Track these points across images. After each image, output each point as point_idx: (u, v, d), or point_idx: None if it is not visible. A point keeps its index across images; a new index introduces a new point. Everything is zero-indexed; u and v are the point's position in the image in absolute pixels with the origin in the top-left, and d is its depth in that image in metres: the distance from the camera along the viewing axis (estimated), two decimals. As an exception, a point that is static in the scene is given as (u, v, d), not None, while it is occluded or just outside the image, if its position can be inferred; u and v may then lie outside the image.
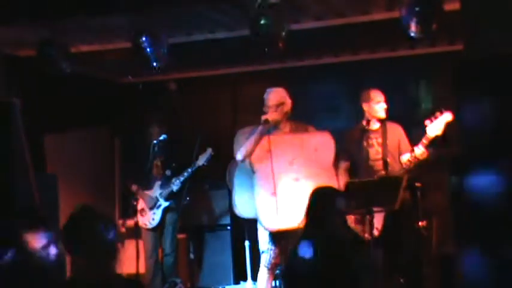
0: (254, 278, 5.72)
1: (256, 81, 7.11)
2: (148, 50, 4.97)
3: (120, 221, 6.61)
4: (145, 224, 5.96)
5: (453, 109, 4.81)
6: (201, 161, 5.79)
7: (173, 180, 5.89)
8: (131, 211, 6.02)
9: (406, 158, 5.07)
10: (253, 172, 4.74)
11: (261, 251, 4.86)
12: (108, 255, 2.42)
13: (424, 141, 4.92)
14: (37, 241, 2.19)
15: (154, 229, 5.96)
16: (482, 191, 2.38)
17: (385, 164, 5.13)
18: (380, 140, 5.19)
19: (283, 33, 4.63)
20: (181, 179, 5.85)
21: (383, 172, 5.13)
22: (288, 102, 4.87)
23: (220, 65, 7.05)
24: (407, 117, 5.80)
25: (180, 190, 5.87)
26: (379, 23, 5.24)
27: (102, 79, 7.14)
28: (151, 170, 5.98)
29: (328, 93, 6.90)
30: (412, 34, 4.49)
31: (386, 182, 4.88)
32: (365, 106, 5.26)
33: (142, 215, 5.96)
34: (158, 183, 6.00)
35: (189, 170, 5.81)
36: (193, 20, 5.15)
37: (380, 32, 5.53)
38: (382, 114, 5.22)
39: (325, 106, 6.84)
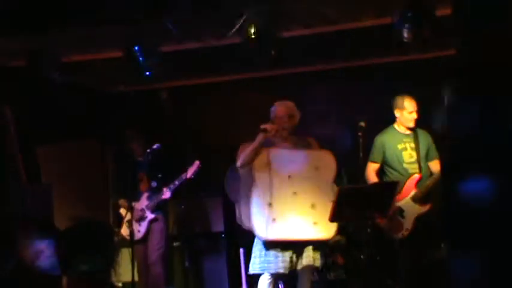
0: (249, 286, 5.71)
1: (249, 90, 7.15)
2: (140, 59, 5.02)
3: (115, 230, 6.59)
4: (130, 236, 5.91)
5: (445, 114, 4.87)
6: (189, 173, 5.85)
7: (164, 189, 5.91)
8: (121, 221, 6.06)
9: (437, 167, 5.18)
10: (253, 181, 4.76)
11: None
12: (107, 266, 2.43)
13: None
14: (31, 248, 2.20)
15: (139, 241, 5.97)
16: (475, 195, 2.41)
17: (420, 168, 5.20)
18: (413, 145, 5.27)
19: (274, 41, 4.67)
20: (172, 187, 5.88)
21: (417, 175, 5.19)
22: (297, 115, 4.94)
23: (212, 73, 7.03)
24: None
25: (167, 200, 5.92)
26: (370, 30, 5.29)
27: (94, 88, 7.15)
28: (138, 183, 6.05)
29: (320, 101, 6.91)
30: (405, 40, 4.52)
31: (380, 188, 4.94)
32: (397, 112, 5.33)
33: (128, 227, 5.89)
34: (145, 195, 6.05)
35: (176, 182, 5.87)
36: (184, 28, 5.16)
37: (370, 39, 5.58)
38: (411, 125, 5.29)
39: (317, 114, 6.86)
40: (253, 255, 4.82)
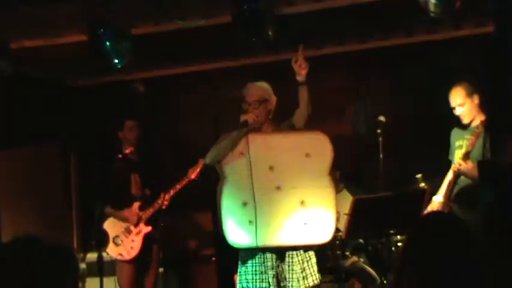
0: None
1: (241, 79, 7.13)
2: (107, 44, 4.99)
3: (80, 255, 6.57)
4: (121, 255, 5.95)
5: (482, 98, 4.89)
6: (192, 174, 5.87)
7: (161, 195, 5.91)
8: (94, 242, 5.91)
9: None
10: (222, 177, 4.70)
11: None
12: None
13: None
14: None
15: (133, 261, 5.96)
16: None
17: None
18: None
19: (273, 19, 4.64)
20: (172, 193, 5.90)
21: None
22: (273, 99, 4.84)
23: (197, 60, 7.09)
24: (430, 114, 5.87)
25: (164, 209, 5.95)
26: (392, 3, 5.29)
27: (51, 81, 7.20)
28: (128, 189, 6.03)
29: (329, 90, 6.94)
30: (432, 15, 4.53)
31: (404, 197, 4.94)
32: None
33: (116, 244, 5.97)
34: (137, 204, 6.02)
35: (177, 186, 5.89)
36: (162, 5, 5.18)
37: (392, 14, 5.61)
38: (463, 121, 5.28)
39: (326, 106, 6.88)
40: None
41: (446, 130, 5.34)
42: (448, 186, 5.19)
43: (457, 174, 5.15)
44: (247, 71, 7.09)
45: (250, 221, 4.55)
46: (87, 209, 6.88)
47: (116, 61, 5.22)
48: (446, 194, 5.14)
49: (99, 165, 6.16)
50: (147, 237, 5.96)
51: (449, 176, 5.26)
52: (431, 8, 4.72)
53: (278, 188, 4.60)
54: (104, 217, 5.99)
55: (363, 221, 4.60)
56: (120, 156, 5.80)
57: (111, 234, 5.98)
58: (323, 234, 4.58)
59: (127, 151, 5.86)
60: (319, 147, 4.71)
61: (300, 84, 4.71)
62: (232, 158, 4.67)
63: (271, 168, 4.64)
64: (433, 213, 3.52)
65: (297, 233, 4.56)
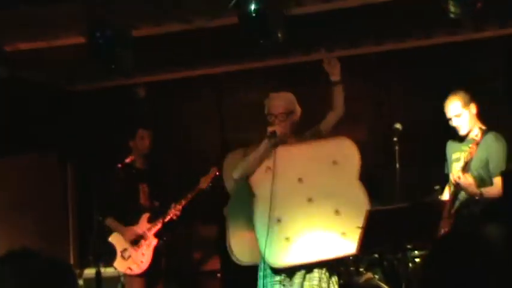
0: None
1: (248, 84, 7.16)
2: (107, 46, 4.99)
3: (77, 271, 6.57)
4: (131, 269, 5.95)
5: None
6: (204, 183, 5.95)
7: (172, 205, 5.95)
8: (92, 257, 5.99)
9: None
10: (252, 196, 4.74)
11: None
12: None
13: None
14: None
15: (143, 275, 5.96)
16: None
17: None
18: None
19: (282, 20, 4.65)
20: (183, 202, 5.96)
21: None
22: (298, 110, 4.90)
23: (202, 63, 7.10)
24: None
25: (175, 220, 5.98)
26: (409, 3, 5.28)
27: (48, 85, 7.21)
28: (136, 199, 6.05)
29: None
30: (452, 15, 4.53)
31: (422, 209, 4.88)
32: None
33: (125, 258, 5.96)
34: (146, 215, 6.06)
35: (189, 195, 5.95)
36: (163, 5, 5.19)
37: (410, 15, 5.58)
38: (459, 132, 5.25)
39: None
40: None
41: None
42: (449, 201, 5.16)
43: (457, 189, 5.10)
44: (254, 75, 7.15)
45: (287, 238, 4.63)
46: (85, 221, 6.89)
47: (117, 64, 5.22)
48: (447, 209, 5.08)
49: (99, 175, 6.18)
50: (156, 250, 5.99)
51: (448, 191, 5.29)
52: (451, 8, 4.72)
53: (310, 200, 4.68)
54: (103, 230, 5.98)
55: (378, 235, 4.53)
56: (120, 165, 5.80)
57: (119, 248, 5.99)
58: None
59: (127, 160, 5.87)
60: (346, 153, 4.83)
61: (335, 84, 4.79)
62: (259, 174, 4.72)
63: (300, 180, 4.71)
64: (455, 231, 3.54)
65: (335, 244, 4.64)
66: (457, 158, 5.25)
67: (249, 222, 4.83)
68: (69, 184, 7.51)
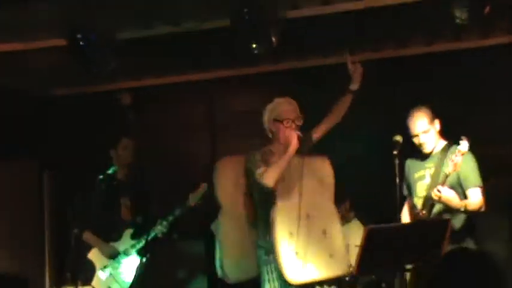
0: None
1: (240, 91, 7.14)
2: (88, 49, 4.98)
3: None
4: None
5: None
6: (193, 200, 5.88)
7: (159, 222, 5.88)
8: (70, 274, 5.88)
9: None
10: (272, 205, 4.77)
11: None
12: None
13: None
14: None
15: None
16: None
17: (426, 205, 5.25)
18: (433, 171, 5.33)
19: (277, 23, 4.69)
20: (170, 219, 5.90)
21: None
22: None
23: (192, 68, 7.09)
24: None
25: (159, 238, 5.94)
26: (412, 7, 5.28)
27: (24, 90, 7.15)
28: (117, 213, 6.00)
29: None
30: (457, 21, 4.54)
31: (425, 227, 4.89)
32: None
33: (104, 276, 5.92)
34: (129, 231, 6.00)
35: (177, 212, 5.90)
36: (151, 6, 5.15)
37: (413, 19, 5.59)
38: (423, 151, 5.32)
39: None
40: None
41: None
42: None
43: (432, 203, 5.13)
44: (247, 81, 7.15)
45: (297, 252, 4.73)
46: (62, 235, 6.80)
47: (99, 68, 5.20)
48: (450, 228, 4.91)
49: (78, 186, 6.10)
50: (139, 269, 5.92)
51: (407, 212, 5.40)
52: (457, 13, 4.72)
53: (308, 216, 4.80)
54: (82, 245, 5.91)
55: (377, 254, 4.48)
56: (101, 177, 5.75)
57: (98, 265, 5.94)
58: (343, 265, 4.87)
59: (109, 171, 5.83)
60: (328, 174, 5.00)
61: (351, 93, 4.94)
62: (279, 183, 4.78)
63: (300, 194, 4.78)
64: (458, 250, 3.55)
65: (325, 265, 4.79)
66: (421, 176, 5.31)
67: (242, 237, 4.95)
68: (46, 195, 7.46)
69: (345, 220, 6.01)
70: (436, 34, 6.38)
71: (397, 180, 5.05)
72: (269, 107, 4.93)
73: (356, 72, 4.84)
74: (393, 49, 6.77)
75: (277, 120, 4.87)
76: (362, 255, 4.43)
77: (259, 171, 4.76)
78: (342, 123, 5.07)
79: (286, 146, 4.79)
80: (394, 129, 5.18)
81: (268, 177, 4.75)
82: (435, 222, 5.08)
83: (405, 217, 5.42)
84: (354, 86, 4.88)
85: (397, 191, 5.07)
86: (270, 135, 4.96)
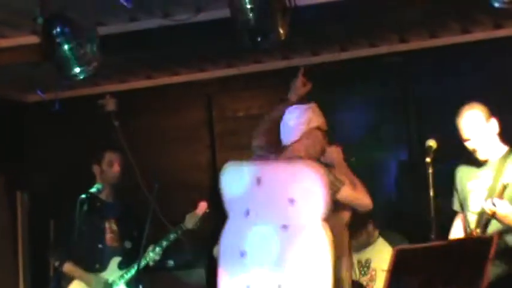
0: None
1: (241, 91, 7.12)
2: (65, 46, 4.91)
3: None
4: None
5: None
6: (190, 222, 5.94)
7: (151, 248, 5.90)
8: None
9: None
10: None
11: None
12: None
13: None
14: None
15: None
16: None
17: (480, 222, 5.17)
18: (490, 182, 5.25)
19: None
20: (164, 244, 5.94)
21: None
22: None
23: (186, 67, 7.11)
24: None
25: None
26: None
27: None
28: (101, 239, 6.01)
29: (360, 104, 6.93)
30: (497, 4, 4.47)
31: (463, 247, 4.79)
32: None
33: None
34: (116, 259, 6.01)
35: (172, 236, 5.93)
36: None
37: (442, 4, 5.56)
38: (477, 156, 5.20)
39: (355, 124, 6.89)
40: None
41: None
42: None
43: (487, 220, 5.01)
44: (250, 80, 7.21)
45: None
46: (39, 267, 6.81)
47: (78, 70, 5.12)
48: (494, 248, 4.77)
49: (56, 207, 6.13)
50: None
51: (461, 227, 5.33)
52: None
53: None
54: (61, 278, 5.90)
55: (407, 279, 4.48)
56: (82, 196, 5.66)
57: None
58: None
59: (92, 190, 5.83)
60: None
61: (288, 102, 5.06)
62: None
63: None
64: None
65: None
66: (474, 187, 5.19)
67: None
68: (20, 218, 7.47)
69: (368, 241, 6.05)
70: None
71: (431, 192, 4.93)
72: (316, 109, 4.85)
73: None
74: (419, 39, 6.76)
75: (320, 129, 4.81)
76: (390, 279, 4.37)
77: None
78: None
79: (317, 157, 4.75)
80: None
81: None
82: (476, 241, 5.00)
83: (457, 234, 5.36)
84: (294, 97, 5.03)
85: (430, 204, 4.94)
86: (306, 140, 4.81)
